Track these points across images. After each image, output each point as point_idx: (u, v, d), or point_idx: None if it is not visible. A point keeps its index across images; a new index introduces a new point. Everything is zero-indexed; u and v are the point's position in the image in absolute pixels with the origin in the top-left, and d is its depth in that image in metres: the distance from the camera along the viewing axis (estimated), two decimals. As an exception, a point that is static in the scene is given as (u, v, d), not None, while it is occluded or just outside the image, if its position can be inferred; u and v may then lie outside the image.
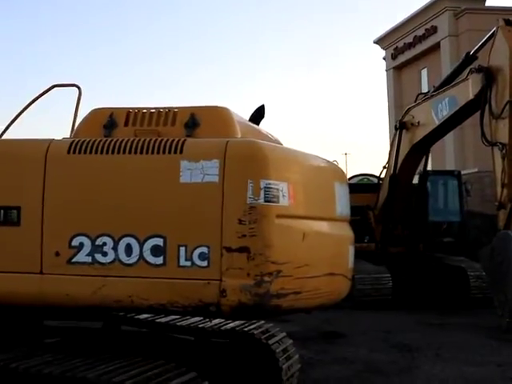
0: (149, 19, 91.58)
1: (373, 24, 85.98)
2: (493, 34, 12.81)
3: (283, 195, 5.14)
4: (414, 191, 16.90)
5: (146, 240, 5.14)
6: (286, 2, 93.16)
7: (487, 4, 38.66)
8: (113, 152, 5.38)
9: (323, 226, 5.75)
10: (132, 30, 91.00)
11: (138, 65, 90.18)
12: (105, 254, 5.21)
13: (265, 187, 5.04)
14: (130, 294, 5.15)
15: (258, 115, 6.75)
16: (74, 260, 5.27)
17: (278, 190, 5.10)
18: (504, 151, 12.00)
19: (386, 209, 16.35)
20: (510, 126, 11.97)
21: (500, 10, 34.12)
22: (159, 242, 5.12)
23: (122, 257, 5.18)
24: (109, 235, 5.22)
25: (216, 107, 5.79)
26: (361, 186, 17.34)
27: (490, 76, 12.47)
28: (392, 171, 16.19)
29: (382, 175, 16.99)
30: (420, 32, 40.00)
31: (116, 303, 5.22)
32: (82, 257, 5.25)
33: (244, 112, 6.40)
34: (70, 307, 5.43)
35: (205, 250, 5.03)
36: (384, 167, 16.84)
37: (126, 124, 5.79)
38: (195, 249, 5.04)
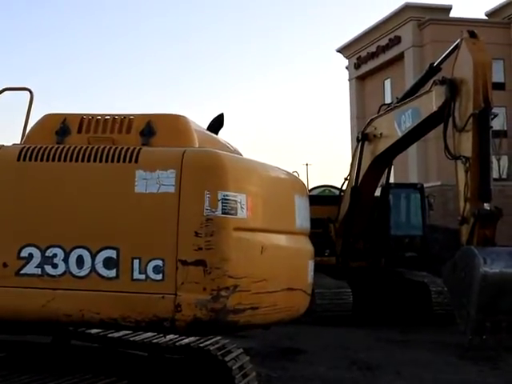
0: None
1: (336, 32, 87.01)
2: (457, 46, 12.97)
3: (241, 207, 5.15)
4: (376, 204, 16.98)
5: (98, 252, 5.11)
6: (243, 6, 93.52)
7: (452, 15, 39.30)
8: (65, 160, 5.34)
9: (282, 240, 5.76)
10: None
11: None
12: (55, 266, 5.16)
13: (222, 199, 5.05)
14: (80, 308, 5.11)
15: (217, 124, 6.75)
16: (22, 272, 5.21)
17: (236, 201, 5.11)
18: (467, 165, 12.12)
19: (347, 222, 16.42)
20: (474, 139, 12.11)
21: (464, 21, 34.71)
22: (112, 254, 5.09)
23: (73, 269, 5.13)
24: (59, 246, 5.17)
25: (173, 115, 5.78)
26: (322, 198, 17.36)
27: (453, 88, 12.61)
28: (353, 183, 16.26)
29: (344, 187, 17.05)
30: (384, 42, 40.47)
31: (66, 317, 5.16)
32: (31, 268, 5.20)
33: (202, 121, 6.40)
34: (17, 321, 5.36)
35: (159, 262, 5.01)
36: (345, 179, 16.90)
37: (80, 131, 5.76)
38: (149, 261, 5.02)
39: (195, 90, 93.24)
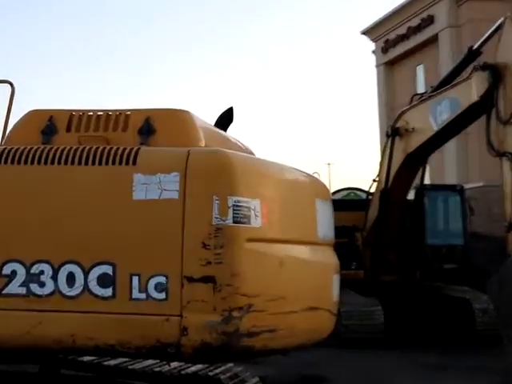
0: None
1: (360, 11, 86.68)
2: (500, 26, 12.90)
3: (255, 215, 5.15)
4: (409, 209, 16.94)
5: (91, 268, 5.12)
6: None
7: (493, -10, 39.10)
8: (52, 162, 5.36)
9: (302, 252, 5.76)
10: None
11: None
12: (42, 285, 5.17)
13: (233, 205, 5.05)
14: (72, 333, 5.11)
15: (226, 119, 6.76)
16: (4, 291, 5.22)
17: (249, 208, 5.12)
18: (514, 162, 12.04)
19: (376, 230, 16.37)
20: (521, 133, 12.03)
21: (508, -3, 34.51)
22: (108, 269, 5.10)
23: (63, 288, 5.14)
24: (47, 262, 5.18)
25: (175, 110, 5.80)
26: (347, 203, 17.34)
27: (496, 74, 12.54)
28: (383, 185, 16.21)
29: (372, 189, 17.00)
30: (415, 22, 40.31)
31: (55, 343, 5.17)
32: (14, 288, 5.21)
33: (209, 116, 6.41)
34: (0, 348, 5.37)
35: (162, 279, 5.02)
36: (374, 180, 16.85)
37: (69, 129, 5.78)
38: (151, 278, 5.03)
39: (200, 79, 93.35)
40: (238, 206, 5.07)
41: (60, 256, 5.18)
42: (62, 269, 5.15)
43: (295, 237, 5.65)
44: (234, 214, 5.05)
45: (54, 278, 5.16)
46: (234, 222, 5.05)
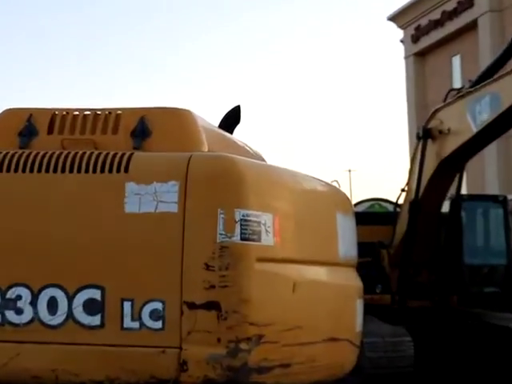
0: None
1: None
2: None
3: (266, 231, 5.16)
4: (444, 223, 16.94)
5: (76, 292, 5.13)
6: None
7: (542, -32, 39.12)
8: (31, 170, 5.37)
9: (321, 273, 5.78)
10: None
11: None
12: (19, 312, 5.18)
13: (241, 220, 5.06)
14: (53, 367, 5.12)
15: (232, 120, 6.78)
16: (-25, 320, 5.22)
17: (259, 223, 5.13)
18: None
19: (405, 247, 16.35)
20: None
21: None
22: (95, 294, 5.11)
23: (44, 315, 5.15)
24: (25, 285, 5.19)
25: (173, 109, 5.81)
26: (371, 216, 17.33)
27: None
28: (413, 195, 16.19)
29: (400, 200, 17.00)
30: (451, 6, 40.35)
31: (34, 379, 5.17)
32: (-14, 315, 5.21)
33: (213, 116, 6.42)
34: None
35: (158, 306, 5.03)
36: (402, 190, 16.83)
37: (51, 131, 5.78)
38: (145, 304, 5.04)
39: (203, 74, 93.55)
40: (246, 220, 5.08)
41: (40, 278, 5.19)
42: (43, 293, 5.17)
43: (312, 256, 5.66)
44: (241, 229, 5.05)
45: (34, 304, 5.16)
46: (242, 240, 5.06)
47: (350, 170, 57.26)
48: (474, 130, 14.61)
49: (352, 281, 6.28)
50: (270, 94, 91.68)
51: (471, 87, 15.22)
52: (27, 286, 5.19)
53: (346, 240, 6.12)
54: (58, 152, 5.43)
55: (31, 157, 5.41)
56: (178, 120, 5.72)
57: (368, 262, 14.80)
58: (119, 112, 5.79)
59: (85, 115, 5.81)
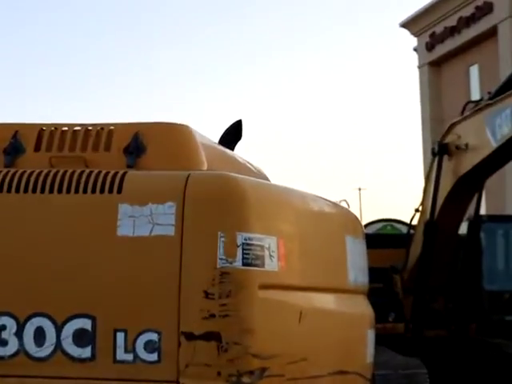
0: None
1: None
2: None
3: (270, 255, 5.16)
4: (462, 245, 16.93)
5: (65, 322, 5.12)
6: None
7: None
8: (17, 190, 5.37)
9: (329, 301, 5.79)
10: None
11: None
12: (3, 343, 5.18)
13: (243, 243, 5.06)
14: (40, 404, 5.12)
15: (233, 136, 6.79)
16: (-45, 352, 5.24)
17: (262, 247, 5.13)
18: None
19: (419, 272, 16.35)
20: None
21: None
22: (86, 324, 5.10)
23: (30, 347, 5.14)
24: (9, 314, 5.19)
25: (170, 124, 5.80)
26: (382, 238, 17.34)
27: None
28: (429, 216, 16.19)
29: (414, 221, 17.00)
30: (468, 11, 40.42)
31: (20, 417, 5.18)
32: (-33, 347, 5.22)
33: (212, 131, 6.43)
34: None
35: (154, 336, 5.02)
36: (416, 210, 16.84)
37: (38, 148, 5.79)
38: (139, 335, 5.03)
39: (203, 87, 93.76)
40: (248, 244, 5.07)
41: (26, 307, 5.18)
42: (29, 323, 5.16)
43: (320, 283, 5.66)
44: (243, 254, 5.05)
45: (19, 334, 5.16)
46: (244, 265, 5.05)
47: (359, 189, 57.53)
48: (494, 145, 14.62)
49: (362, 309, 6.29)
50: (276, 109, 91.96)
51: (490, 99, 15.24)
52: (12, 315, 5.18)
53: (355, 265, 6.13)
54: (45, 171, 5.44)
55: (17, 176, 5.42)
56: (174, 136, 5.72)
57: (380, 288, 14.82)
58: (112, 127, 5.79)
59: (75, 131, 5.80)
